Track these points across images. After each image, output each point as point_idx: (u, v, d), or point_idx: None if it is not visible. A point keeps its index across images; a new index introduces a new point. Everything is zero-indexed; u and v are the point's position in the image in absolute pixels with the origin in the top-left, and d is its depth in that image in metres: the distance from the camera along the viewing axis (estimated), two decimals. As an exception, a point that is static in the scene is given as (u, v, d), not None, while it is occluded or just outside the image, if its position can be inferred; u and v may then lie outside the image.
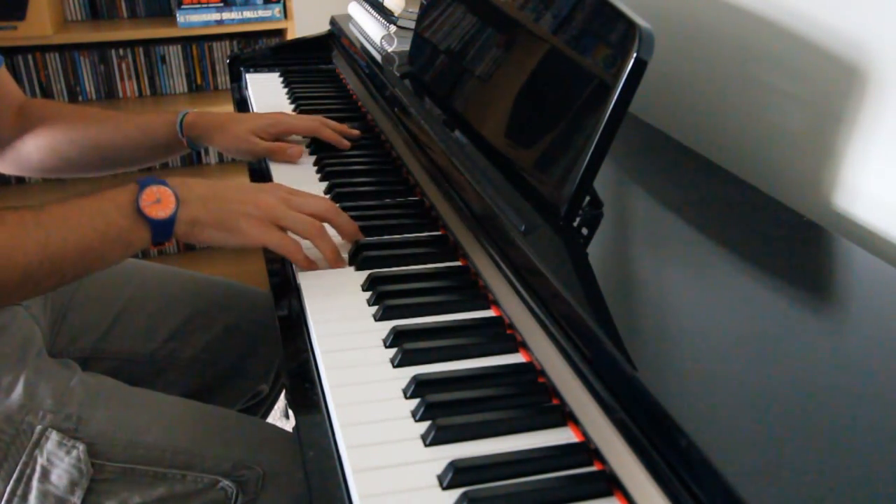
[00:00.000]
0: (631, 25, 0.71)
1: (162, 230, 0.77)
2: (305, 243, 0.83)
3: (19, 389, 0.80)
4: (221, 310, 1.13)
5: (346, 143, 1.13)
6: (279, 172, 1.07)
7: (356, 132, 1.15)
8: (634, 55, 0.69)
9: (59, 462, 0.78)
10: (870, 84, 0.84)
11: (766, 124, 0.99)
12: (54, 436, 0.79)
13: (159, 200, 0.76)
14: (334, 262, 0.83)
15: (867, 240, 0.84)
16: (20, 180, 2.26)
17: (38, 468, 0.78)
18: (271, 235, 0.80)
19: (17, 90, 1.10)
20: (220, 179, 0.85)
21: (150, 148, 1.12)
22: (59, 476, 0.78)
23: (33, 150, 1.09)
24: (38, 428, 0.79)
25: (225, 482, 0.83)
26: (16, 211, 0.73)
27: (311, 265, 0.82)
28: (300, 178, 1.06)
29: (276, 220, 0.81)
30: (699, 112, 1.11)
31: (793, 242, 0.78)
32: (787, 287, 0.70)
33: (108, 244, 0.75)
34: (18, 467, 0.78)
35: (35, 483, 0.78)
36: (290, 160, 1.09)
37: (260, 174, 1.10)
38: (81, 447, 0.79)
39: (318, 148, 1.13)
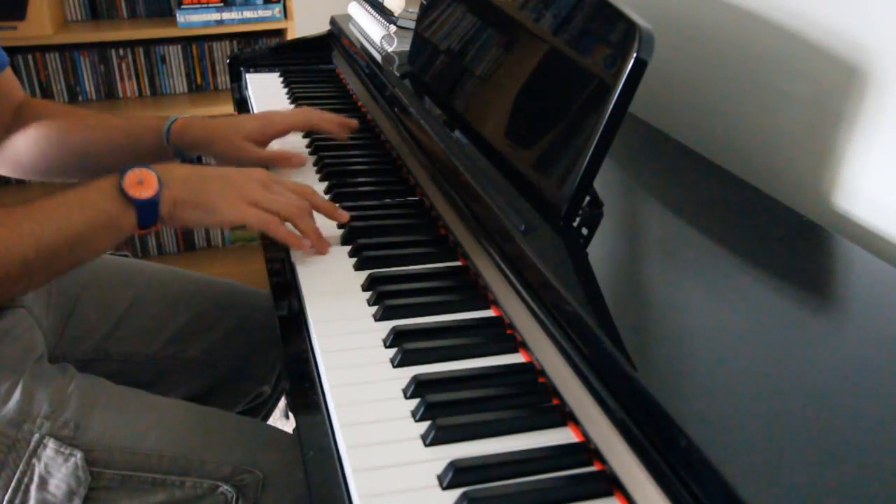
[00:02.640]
0: (631, 25, 0.71)
1: (147, 211, 0.77)
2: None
3: (17, 396, 0.80)
4: (223, 311, 1.13)
5: (344, 135, 1.11)
6: (279, 174, 1.07)
7: (354, 122, 1.13)
8: (634, 55, 0.69)
9: (56, 470, 0.78)
10: (870, 84, 0.84)
11: (766, 124, 0.99)
12: (52, 444, 0.78)
13: (142, 182, 0.77)
14: (318, 241, 0.84)
15: (867, 240, 0.84)
16: (20, 180, 2.26)
17: (36, 476, 0.78)
18: (249, 213, 0.82)
19: (19, 89, 1.09)
20: (205, 165, 0.86)
21: (136, 156, 1.04)
22: (57, 485, 0.78)
23: (23, 152, 1.07)
24: (36, 436, 0.78)
25: (225, 487, 0.82)
26: (4, 207, 0.74)
27: (293, 239, 0.83)
28: (300, 178, 1.06)
29: (255, 202, 0.82)
30: (699, 112, 1.11)
31: (793, 242, 0.78)
32: (787, 287, 0.70)
33: (98, 231, 0.77)
34: (16, 476, 0.77)
35: (33, 492, 0.77)
36: (293, 168, 1.07)
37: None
38: (79, 455, 0.78)
39: (318, 148, 1.13)
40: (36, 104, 1.10)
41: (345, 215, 0.89)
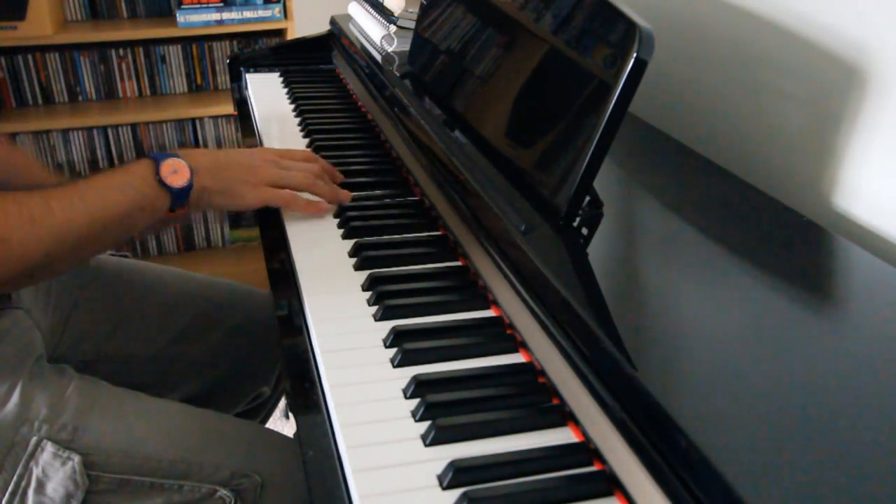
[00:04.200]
0: (631, 25, 0.71)
1: (179, 197, 0.84)
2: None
3: (15, 398, 0.80)
4: (224, 312, 1.12)
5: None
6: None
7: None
8: (634, 55, 0.69)
9: (54, 474, 0.78)
10: (870, 84, 0.84)
11: (766, 124, 0.99)
12: (50, 447, 0.78)
13: (176, 171, 0.84)
14: (335, 198, 0.94)
15: (867, 240, 0.84)
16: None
17: (33, 480, 0.78)
18: (269, 194, 0.90)
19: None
20: (216, 150, 0.92)
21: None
22: (55, 488, 0.78)
23: None
24: (34, 439, 0.78)
25: (223, 491, 0.82)
26: (58, 187, 0.79)
27: (312, 208, 0.92)
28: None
29: (272, 182, 0.90)
30: (699, 112, 1.11)
31: (793, 242, 0.78)
32: (787, 287, 0.70)
33: (138, 212, 0.82)
34: (14, 479, 0.77)
35: (31, 495, 0.77)
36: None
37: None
38: (77, 458, 0.78)
39: (318, 149, 1.12)
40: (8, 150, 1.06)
41: (339, 177, 0.98)
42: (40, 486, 0.77)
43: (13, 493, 0.77)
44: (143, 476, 0.80)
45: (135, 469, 0.80)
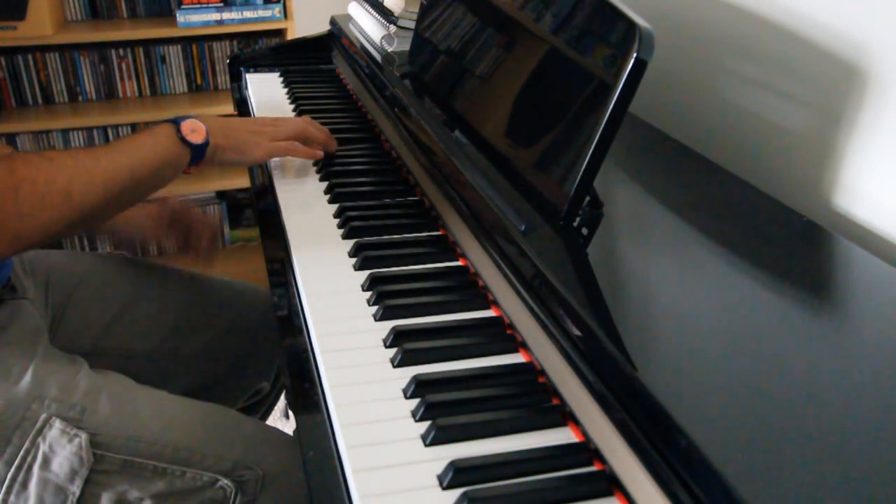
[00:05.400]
0: (631, 25, 0.71)
1: (198, 152, 0.94)
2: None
3: (28, 377, 0.82)
4: (222, 308, 1.13)
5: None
6: (279, 170, 1.07)
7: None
8: (634, 55, 0.69)
9: (60, 450, 0.79)
10: (870, 84, 0.84)
11: (766, 124, 0.99)
12: (58, 424, 0.80)
13: (194, 130, 0.94)
14: (329, 142, 1.09)
15: (867, 240, 0.84)
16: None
17: (39, 455, 0.79)
18: (271, 147, 1.02)
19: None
20: (227, 118, 1.06)
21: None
22: (60, 464, 0.79)
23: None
24: (43, 416, 0.80)
25: (224, 481, 0.83)
26: (98, 146, 0.90)
27: (311, 153, 1.06)
28: (302, 175, 1.06)
29: (273, 138, 1.03)
30: (699, 112, 1.11)
31: (793, 242, 0.78)
32: (787, 287, 0.70)
33: (167, 166, 0.92)
34: (20, 454, 0.79)
35: (36, 470, 0.79)
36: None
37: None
38: (84, 436, 0.80)
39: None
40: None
41: (334, 145, 1.10)
42: (46, 462, 0.79)
43: (19, 468, 0.79)
44: (146, 459, 0.81)
45: (139, 452, 0.81)
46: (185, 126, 0.93)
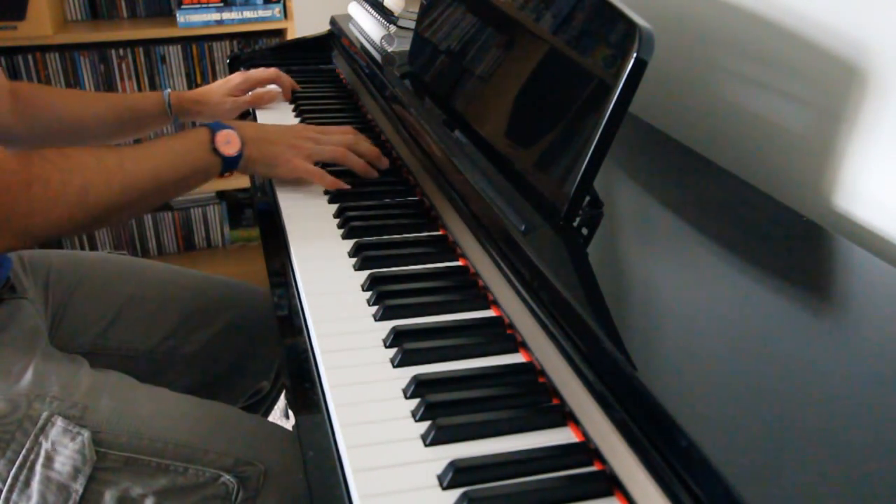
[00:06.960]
0: (631, 25, 0.71)
1: (230, 164, 0.95)
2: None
3: (29, 376, 0.82)
4: (221, 307, 1.13)
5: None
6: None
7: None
8: (634, 55, 0.69)
9: (63, 448, 0.79)
10: (870, 84, 0.84)
11: (766, 124, 0.99)
12: (60, 422, 0.80)
13: (229, 142, 0.94)
14: (366, 172, 1.03)
15: (867, 240, 0.84)
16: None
17: (42, 453, 0.79)
18: (300, 169, 0.99)
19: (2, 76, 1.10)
20: (264, 123, 1.06)
21: (138, 126, 1.23)
22: (63, 462, 0.79)
23: (28, 141, 1.11)
24: (45, 414, 0.80)
25: (226, 477, 0.83)
26: (129, 147, 0.90)
27: (335, 183, 0.99)
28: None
29: (308, 157, 1.00)
30: (699, 112, 1.11)
31: (793, 242, 0.78)
32: (788, 287, 0.70)
33: (196, 173, 0.93)
34: (23, 452, 0.78)
35: (38, 468, 0.78)
36: (273, 101, 1.30)
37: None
38: (86, 434, 0.79)
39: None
40: (29, 88, 1.15)
41: (385, 161, 1.06)
42: (48, 460, 0.79)
43: (21, 466, 0.78)
44: (149, 456, 0.81)
45: (141, 449, 0.81)
46: (221, 136, 0.93)
